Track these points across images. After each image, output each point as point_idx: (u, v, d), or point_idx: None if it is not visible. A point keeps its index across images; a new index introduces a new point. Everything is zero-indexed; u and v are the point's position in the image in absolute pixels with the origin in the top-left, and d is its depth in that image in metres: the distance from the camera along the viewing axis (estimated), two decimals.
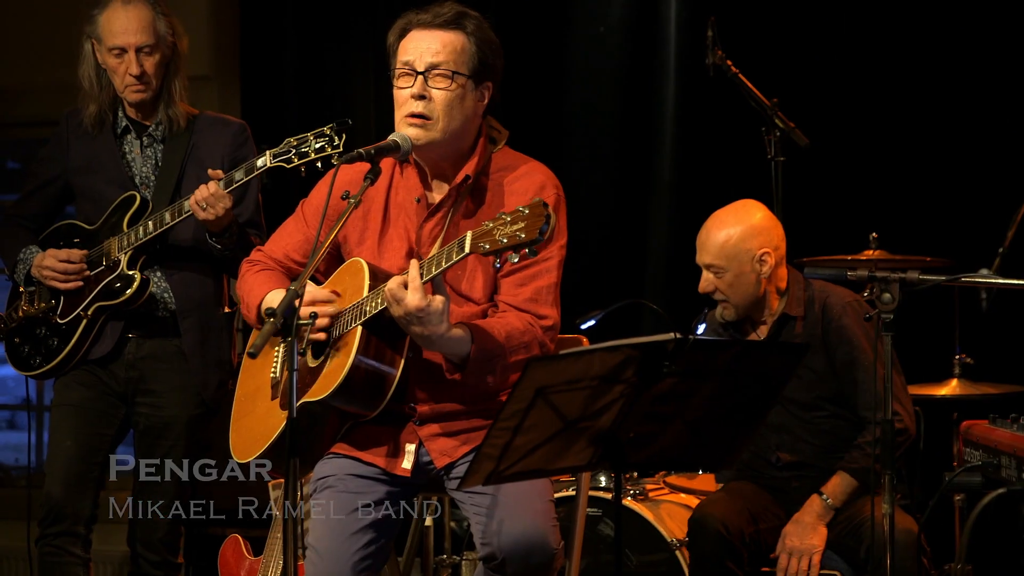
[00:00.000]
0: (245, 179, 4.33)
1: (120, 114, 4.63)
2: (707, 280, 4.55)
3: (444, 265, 3.41)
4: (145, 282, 4.51)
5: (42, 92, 6.53)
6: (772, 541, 4.50)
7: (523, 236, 3.25)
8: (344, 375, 3.50)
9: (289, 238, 3.89)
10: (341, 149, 4.09)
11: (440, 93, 3.60)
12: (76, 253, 4.56)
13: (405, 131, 3.62)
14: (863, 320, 4.50)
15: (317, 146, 4.16)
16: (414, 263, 3.43)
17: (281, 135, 4.31)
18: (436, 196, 3.72)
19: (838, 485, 4.44)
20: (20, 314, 4.66)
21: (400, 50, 3.66)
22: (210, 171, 4.38)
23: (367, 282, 3.57)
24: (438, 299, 3.41)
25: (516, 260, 3.29)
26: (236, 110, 6.54)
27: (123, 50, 4.49)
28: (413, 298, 3.39)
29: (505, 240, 3.27)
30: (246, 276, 3.89)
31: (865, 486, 4.41)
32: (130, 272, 4.50)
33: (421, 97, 3.60)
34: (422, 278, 3.41)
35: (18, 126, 7.15)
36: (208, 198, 4.30)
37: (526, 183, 3.67)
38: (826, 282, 4.58)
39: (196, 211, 4.32)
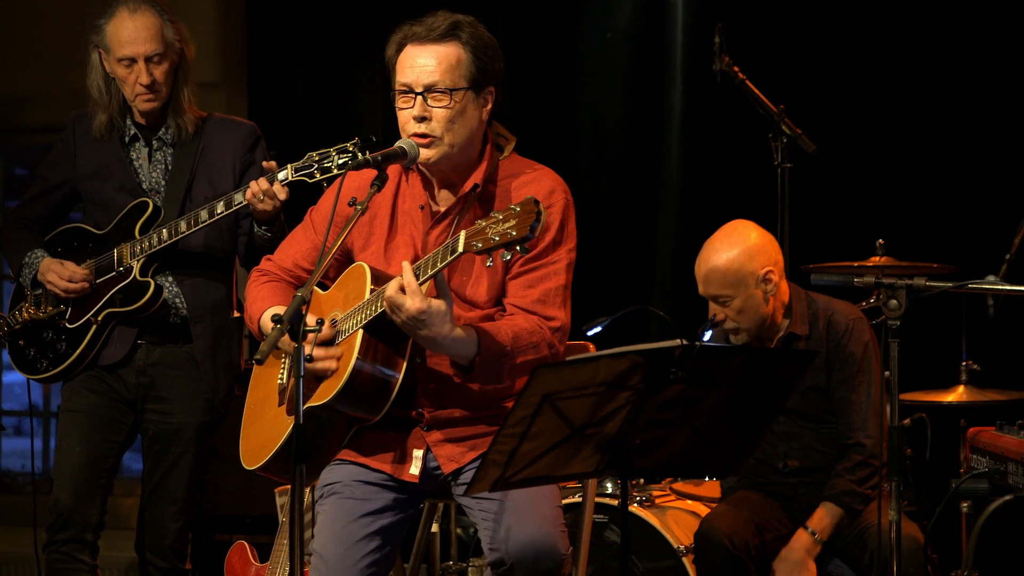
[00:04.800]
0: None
1: (128, 122, 4.63)
2: (715, 310, 4.53)
3: (439, 265, 3.42)
4: (159, 290, 4.51)
5: (49, 100, 6.55)
6: (777, 551, 4.51)
7: (514, 233, 3.26)
8: (346, 379, 3.51)
9: (298, 246, 3.90)
10: None
11: (440, 111, 3.60)
12: (79, 272, 4.54)
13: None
14: (865, 338, 4.50)
15: (340, 162, 4.16)
16: (407, 267, 3.43)
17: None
18: (443, 204, 3.73)
19: (824, 518, 4.43)
20: (25, 316, 4.65)
21: (398, 67, 3.65)
22: (264, 164, 4.39)
23: (368, 286, 3.58)
24: (438, 301, 3.42)
25: (509, 258, 3.29)
26: (244, 117, 6.55)
27: (132, 60, 4.47)
28: (413, 302, 3.39)
29: (497, 238, 3.28)
30: (252, 285, 3.90)
31: (849, 512, 4.42)
32: (143, 279, 4.51)
33: (423, 119, 3.60)
34: (418, 279, 3.42)
35: (25, 133, 7.18)
36: (268, 191, 4.30)
37: (534, 188, 3.66)
38: (830, 297, 4.59)
39: (253, 203, 4.32)
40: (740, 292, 4.47)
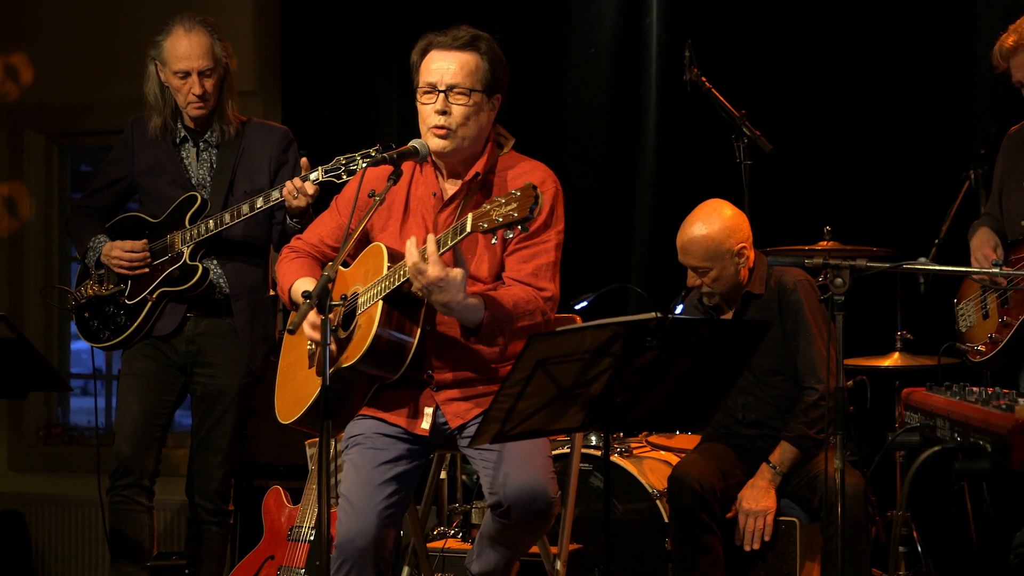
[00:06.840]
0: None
1: (179, 125, 4.64)
2: (693, 278, 4.55)
3: (450, 243, 3.45)
4: (206, 272, 4.53)
5: (109, 106, 6.55)
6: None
7: (515, 215, 3.29)
8: (369, 343, 3.53)
9: (324, 227, 3.93)
10: None
11: (459, 108, 3.64)
12: (139, 244, 4.57)
13: (431, 141, 3.67)
14: (810, 295, 4.53)
15: (363, 165, 4.18)
16: (431, 239, 3.46)
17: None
18: (450, 191, 3.76)
19: (784, 454, 4.47)
20: (90, 292, 4.68)
21: (423, 69, 3.69)
22: (303, 160, 4.41)
23: (386, 263, 3.61)
24: (457, 270, 3.44)
25: (511, 236, 3.33)
26: (278, 121, 6.54)
27: (187, 73, 4.49)
28: (433, 270, 3.42)
29: (500, 219, 3.31)
30: (283, 261, 3.93)
31: (804, 452, 4.46)
32: (192, 263, 4.53)
33: (443, 112, 3.64)
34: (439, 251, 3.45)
35: (90, 134, 7.17)
36: (302, 188, 4.31)
37: (529, 178, 3.68)
38: (783, 266, 4.60)
39: (288, 199, 4.34)
40: (717, 264, 4.50)
